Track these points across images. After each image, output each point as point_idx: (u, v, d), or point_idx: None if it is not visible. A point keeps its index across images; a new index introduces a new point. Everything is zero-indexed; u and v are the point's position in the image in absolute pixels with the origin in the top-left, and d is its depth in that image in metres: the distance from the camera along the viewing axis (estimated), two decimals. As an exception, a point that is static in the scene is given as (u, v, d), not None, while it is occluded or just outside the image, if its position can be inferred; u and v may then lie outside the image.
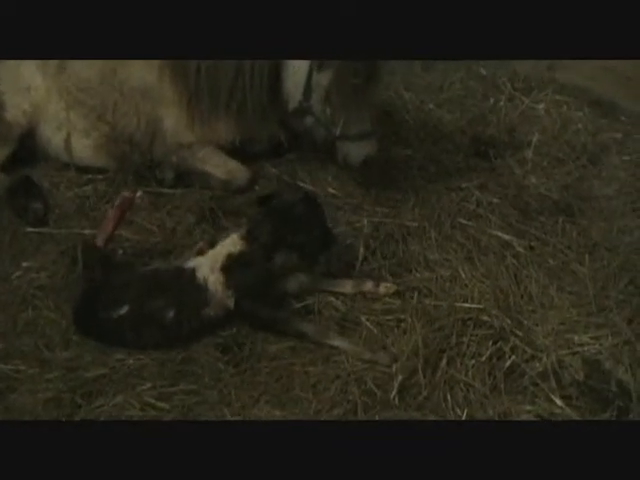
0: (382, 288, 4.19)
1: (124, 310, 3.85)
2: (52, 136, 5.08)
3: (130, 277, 4.03)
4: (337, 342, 3.91)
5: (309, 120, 4.87)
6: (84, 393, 3.69)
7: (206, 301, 3.92)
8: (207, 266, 3.97)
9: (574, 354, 3.90)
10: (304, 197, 4.11)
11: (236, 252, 3.99)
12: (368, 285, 4.19)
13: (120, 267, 4.19)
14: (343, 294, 4.20)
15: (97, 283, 4.05)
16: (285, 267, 4.09)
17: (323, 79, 4.67)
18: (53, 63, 4.98)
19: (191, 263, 4.02)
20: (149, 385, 3.71)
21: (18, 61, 4.94)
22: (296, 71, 4.76)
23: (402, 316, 4.04)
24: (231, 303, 3.96)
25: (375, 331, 3.99)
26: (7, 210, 4.81)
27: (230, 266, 3.96)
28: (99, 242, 4.31)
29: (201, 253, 4.17)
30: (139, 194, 4.85)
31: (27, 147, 5.13)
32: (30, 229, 4.66)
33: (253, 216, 4.21)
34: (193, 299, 3.92)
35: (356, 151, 4.75)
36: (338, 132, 4.73)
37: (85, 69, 5.00)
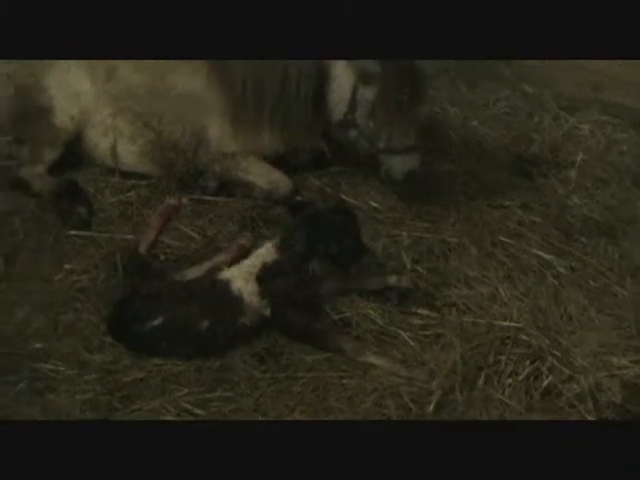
0: (404, 282, 4.21)
1: (158, 321, 3.86)
2: (98, 141, 5.13)
3: (163, 287, 4.04)
4: (373, 359, 3.90)
5: (353, 133, 4.89)
6: (121, 396, 3.70)
7: (241, 311, 3.93)
8: (241, 277, 3.98)
9: (612, 377, 3.86)
10: (338, 206, 4.14)
11: (270, 261, 4.02)
12: (392, 279, 4.21)
13: (154, 276, 4.22)
14: (372, 292, 4.23)
15: (135, 291, 4.08)
16: (319, 276, 4.10)
17: (369, 93, 4.69)
18: (102, 69, 5.03)
19: (225, 275, 4.04)
20: (186, 391, 3.73)
21: (68, 67, 5.00)
22: (341, 84, 4.80)
23: (440, 332, 4.05)
24: (267, 312, 3.98)
25: (413, 346, 3.99)
26: (52, 213, 4.86)
27: (264, 276, 3.98)
28: (142, 249, 4.36)
29: (242, 250, 4.19)
30: (184, 200, 4.90)
31: (73, 152, 5.18)
32: (73, 232, 4.70)
33: (286, 225, 4.25)
34: (228, 310, 3.93)
35: (399, 165, 4.75)
36: (381, 146, 4.74)
37: (133, 76, 5.05)
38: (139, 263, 4.32)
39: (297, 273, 4.00)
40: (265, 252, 4.07)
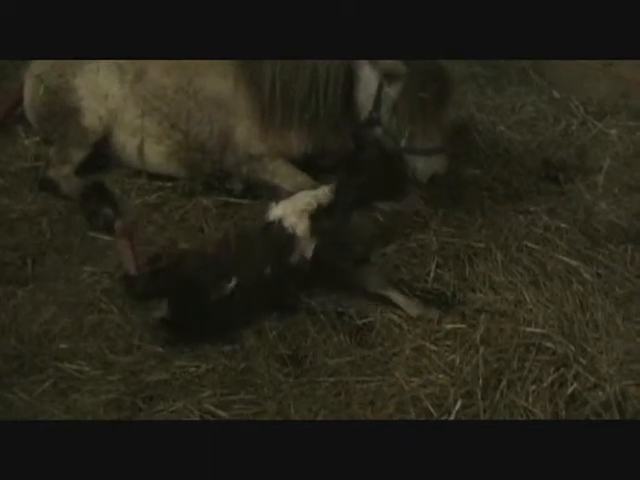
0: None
1: (233, 282, 3.96)
2: (126, 142, 5.17)
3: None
4: (393, 295, 4.16)
5: (378, 131, 4.86)
6: (145, 397, 3.74)
7: (293, 247, 4.07)
8: (294, 214, 4.13)
9: (639, 385, 3.84)
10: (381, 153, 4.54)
11: (325, 203, 4.20)
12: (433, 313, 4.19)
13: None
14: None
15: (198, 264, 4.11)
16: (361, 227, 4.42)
17: (392, 91, 4.67)
18: (131, 70, 5.08)
19: (275, 213, 4.19)
20: (209, 393, 3.74)
21: (97, 68, 5.06)
22: (368, 83, 4.78)
23: (464, 337, 4.03)
24: (310, 251, 4.09)
25: (436, 350, 3.98)
26: (79, 214, 4.89)
27: (317, 214, 4.14)
28: (132, 271, 4.13)
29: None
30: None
31: (101, 153, 5.23)
32: (99, 234, 4.73)
33: (340, 173, 4.52)
34: (282, 246, 4.08)
35: (424, 166, 4.68)
36: (403, 143, 4.71)
37: (161, 77, 5.08)
38: (141, 287, 4.14)
39: (344, 216, 4.24)
40: (321, 194, 4.26)
